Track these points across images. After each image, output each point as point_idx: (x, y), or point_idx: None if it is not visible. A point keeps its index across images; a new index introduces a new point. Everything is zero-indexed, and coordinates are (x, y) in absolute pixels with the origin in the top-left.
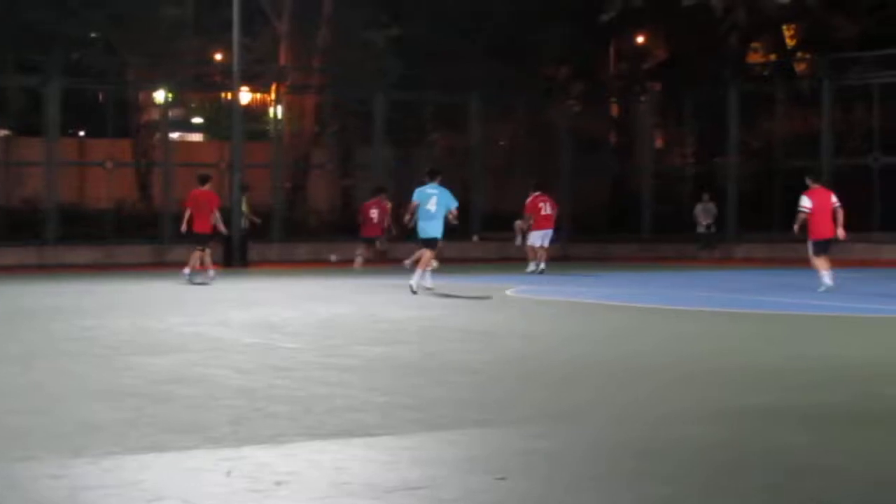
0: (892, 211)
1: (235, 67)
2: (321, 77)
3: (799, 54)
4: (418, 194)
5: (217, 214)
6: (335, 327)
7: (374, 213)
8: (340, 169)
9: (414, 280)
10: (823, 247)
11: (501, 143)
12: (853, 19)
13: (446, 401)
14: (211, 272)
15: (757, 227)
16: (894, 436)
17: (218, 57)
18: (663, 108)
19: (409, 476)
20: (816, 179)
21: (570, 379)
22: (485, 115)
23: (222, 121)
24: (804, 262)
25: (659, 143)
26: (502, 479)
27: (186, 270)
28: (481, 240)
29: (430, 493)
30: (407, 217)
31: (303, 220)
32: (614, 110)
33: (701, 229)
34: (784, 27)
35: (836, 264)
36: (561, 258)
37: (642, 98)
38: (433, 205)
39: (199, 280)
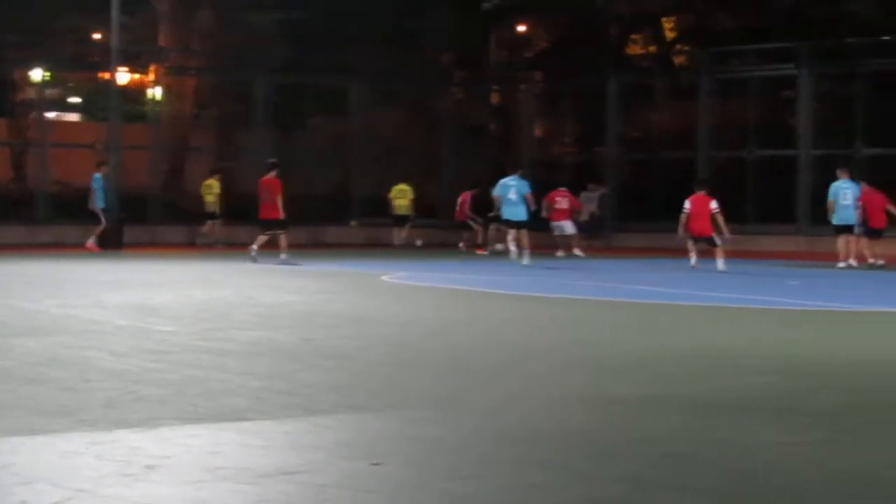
0: (767, 203)
1: (114, 47)
2: (202, 59)
3: (678, 47)
4: (500, 187)
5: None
6: (212, 311)
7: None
8: (220, 152)
9: (513, 254)
10: (695, 240)
11: (384, 128)
12: (733, 13)
13: (323, 386)
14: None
15: (636, 216)
16: (762, 424)
17: (97, 36)
18: (544, 98)
19: (284, 461)
20: (700, 187)
21: (449, 366)
22: (367, 100)
23: (100, 101)
24: (682, 252)
25: (539, 132)
26: (377, 464)
27: (283, 255)
28: (360, 225)
29: (306, 477)
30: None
31: (180, 203)
32: (496, 98)
33: (584, 218)
34: (664, 20)
35: (710, 255)
36: (440, 245)
37: (523, 87)
38: (513, 194)
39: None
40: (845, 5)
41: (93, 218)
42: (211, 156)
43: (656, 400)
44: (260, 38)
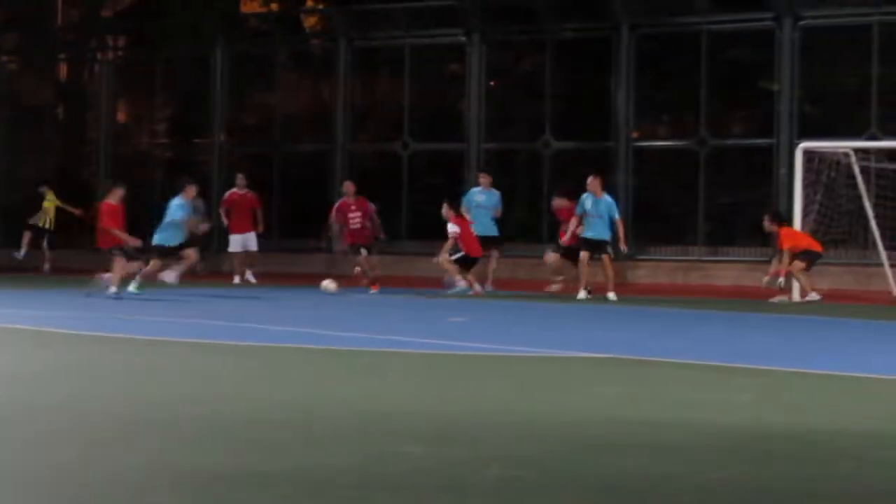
0: (424, 214)
1: None
2: None
3: (308, 4)
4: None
5: None
6: None
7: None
8: None
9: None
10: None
11: None
12: None
13: None
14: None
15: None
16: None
17: None
18: (128, 71)
19: None
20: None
21: None
22: None
23: None
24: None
25: (122, 117)
26: None
27: None
28: None
29: None
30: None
31: None
32: (62, 71)
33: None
34: None
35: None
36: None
37: (99, 56)
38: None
39: None
40: None
41: None
42: None
43: (271, 477)
44: None
